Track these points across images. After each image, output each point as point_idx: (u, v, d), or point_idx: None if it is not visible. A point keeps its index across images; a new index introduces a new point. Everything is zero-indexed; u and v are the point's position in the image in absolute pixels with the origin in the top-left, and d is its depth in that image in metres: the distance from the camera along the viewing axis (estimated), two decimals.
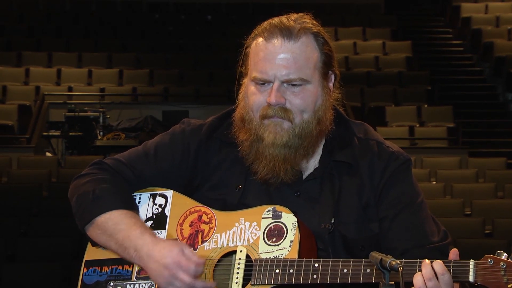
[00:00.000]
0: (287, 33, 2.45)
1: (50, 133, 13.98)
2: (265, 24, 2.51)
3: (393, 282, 2.15)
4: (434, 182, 11.81)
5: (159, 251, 2.43)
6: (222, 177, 2.58)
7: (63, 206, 9.16)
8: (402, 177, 2.53)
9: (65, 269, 8.13)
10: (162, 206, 2.62)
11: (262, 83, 2.47)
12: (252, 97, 2.49)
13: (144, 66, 16.47)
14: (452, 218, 9.90)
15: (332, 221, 2.48)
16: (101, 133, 13.96)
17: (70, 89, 15.57)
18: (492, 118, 15.57)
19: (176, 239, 2.56)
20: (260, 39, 2.49)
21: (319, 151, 2.56)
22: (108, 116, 14.36)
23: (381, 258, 2.14)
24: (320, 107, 2.49)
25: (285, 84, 2.45)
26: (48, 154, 13.91)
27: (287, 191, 2.53)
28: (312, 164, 2.55)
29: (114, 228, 2.50)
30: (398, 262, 2.12)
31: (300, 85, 2.46)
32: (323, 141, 2.56)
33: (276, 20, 2.50)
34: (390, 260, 2.12)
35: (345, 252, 2.47)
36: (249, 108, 2.51)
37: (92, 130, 13.83)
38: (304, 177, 2.54)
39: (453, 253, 2.28)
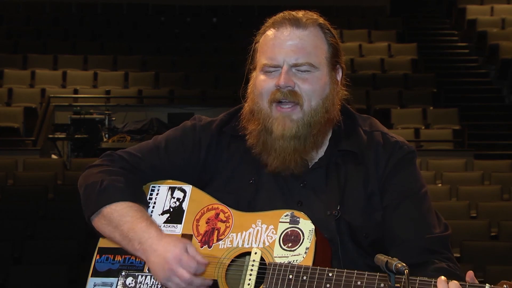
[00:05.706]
0: (295, 22, 2.53)
1: (56, 136, 13.99)
2: (274, 17, 2.58)
3: (399, 285, 2.15)
4: (440, 184, 11.79)
5: (163, 246, 2.43)
6: (234, 171, 2.60)
7: (69, 209, 9.21)
8: (407, 166, 2.55)
9: (71, 271, 8.14)
10: (180, 200, 2.62)
11: (271, 70, 2.51)
12: (261, 83, 2.53)
13: (150, 68, 16.49)
14: (457, 220, 9.87)
15: (338, 208, 2.49)
16: (107, 135, 14.00)
17: (75, 91, 15.59)
18: (498, 121, 15.53)
19: (192, 235, 2.56)
20: (269, 31, 2.55)
21: (327, 142, 2.59)
22: (114, 118, 14.39)
23: (387, 261, 2.14)
24: (328, 96, 2.53)
25: (293, 69, 2.50)
26: (53, 156, 13.93)
27: (293, 182, 2.55)
28: (319, 155, 2.58)
29: (120, 219, 2.51)
30: (404, 264, 2.12)
31: (309, 71, 2.50)
32: (331, 132, 2.59)
33: (284, 12, 2.57)
34: (396, 263, 2.12)
35: (351, 240, 2.48)
36: (258, 96, 2.54)
37: (97, 132, 13.85)
38: (309, 166, 2.56)
39: (469, 276, 2.25)
